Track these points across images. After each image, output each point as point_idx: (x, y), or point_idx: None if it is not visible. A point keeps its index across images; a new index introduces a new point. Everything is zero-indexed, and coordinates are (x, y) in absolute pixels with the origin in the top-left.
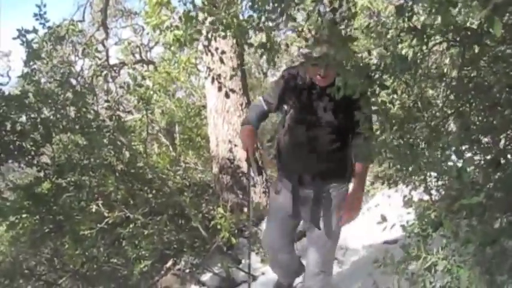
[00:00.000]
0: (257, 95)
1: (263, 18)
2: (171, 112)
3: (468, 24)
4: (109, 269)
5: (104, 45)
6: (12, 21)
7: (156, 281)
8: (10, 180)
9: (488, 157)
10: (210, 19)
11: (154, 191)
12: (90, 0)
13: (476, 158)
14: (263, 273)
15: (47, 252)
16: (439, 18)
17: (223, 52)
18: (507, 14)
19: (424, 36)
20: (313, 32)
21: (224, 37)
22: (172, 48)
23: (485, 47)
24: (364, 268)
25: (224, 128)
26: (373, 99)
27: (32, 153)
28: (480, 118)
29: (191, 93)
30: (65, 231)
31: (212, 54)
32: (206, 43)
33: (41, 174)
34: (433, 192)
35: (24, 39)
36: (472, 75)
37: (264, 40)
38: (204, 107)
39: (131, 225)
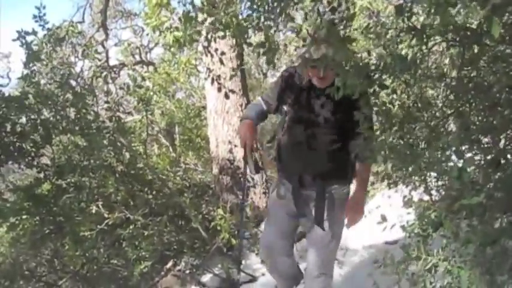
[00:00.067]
0: (257, 95)
1: (262, 18)
2: (171, 113)
3: (468, 24)
4: (109, 270)
5: (103, 47)
6: (13, 22)
7: (156, 282)
8: (10, 182)
9: (488, 157)
10: (209, 20)
11: (154, 192)
12: (90, 2)
13: (477, 158)
14: (263, 274)
15: (47, 253)
16: (438, 19)
17: (223, 53)
18: (506, 14)
19: (424, 36)
20: (311, 32)
21: (223, 37)
22: (172, 49)
23: (484, 47)
24: (364, 269)
25: (224, 129)
26: (373, 99)
27: (32, 154)
28: (480, 118)
29: (191, 94)
30: (65, 232)
31: (212, 55)
32: (206, 44)
33: (41, 175)
34: (433, 192)
35: (23, 41)
36: (472, 75)
37: (262, 40)
38: (204, 107)
39: (131, 226)
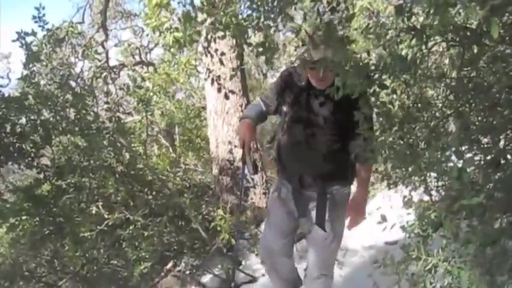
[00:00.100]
0: (257, 96)
1: (262, 18)
2: (170, 113)
3: (467, 25)
4: (109, 271)
5: (103, 47)
6: (13, 22)
7: (156, 282)
8: (10, 182)
9: (488, 157)
10: (209, 20)
11: (154, 193)
12: (89, 2)
13: (476, 158)
14: (263, 275)
15: (47, 254)
16: (438, 19)
17: (222, 53)
18: (506, 14)
19: (424, 36)
20: (310, 33)
21: (223, 37)
22: (172, 49)
23: (484, 47)
24: (364, 269)
25: (224, 130)
26: (373, 100)
27: (32, 155)
28: (480, 118)
29: (191, 95)
30: (65, 233)
31: (212, 56)
32: (206, 45)
33: (41, 176)
34: (433, 192)
35: (23, 41)
36: (472, 75)
37: (262, 39)
38: (204, 108)
39: (131, 227)
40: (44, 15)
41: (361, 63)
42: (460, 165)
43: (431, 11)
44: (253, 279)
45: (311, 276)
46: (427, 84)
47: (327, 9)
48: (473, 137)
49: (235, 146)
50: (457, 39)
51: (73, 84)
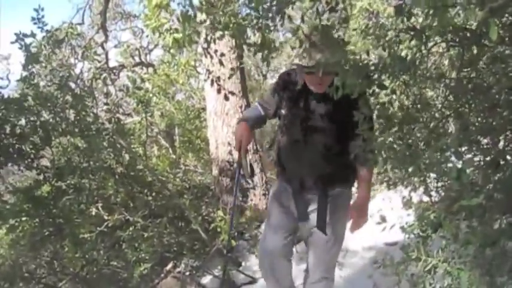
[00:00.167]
0: (256, 97)
1: (260, 18)
2: (170, 114)
3: (467, 25)
4: (109, 272)
5: (103, 48)
6: (12, 22)
7: (156, 283)
8: (10, 183)
9: (488, 158)
10: (209, 20)
11: (154, 194)
12: (89, 3)
13: (476, 159)
14: None
15: (47, 255)
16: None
17: (222, 54)
18: (506, 15)
19: (423, 36)
20: (307, 33)
21: (222, 36)
22: (171, 50)
23: (484, 48)
24: (364, 270)
25: (224, 131)
26: (373, 100)
27: (32, 156)
28: (479, 119)
29: (191, 96)
30: (65, 234)
31: (211, 57)
32: (205, 45)
33: (41, 177)
34: (433, 193)
35: (22, 43)
36: (471, 76)
37: (260, 39)
38: (204, 109)
39: (131, 228)
40: (43, 16)
41: (360, 64)
42: (459, 166)
43: (431, 12)
44: (253, 281)
45: (312, 279)
46: (427, 84)
47: (326, 8)
48: (472, 137)
49: (235, 147)
50: (457, 40)
51: (73, 85)
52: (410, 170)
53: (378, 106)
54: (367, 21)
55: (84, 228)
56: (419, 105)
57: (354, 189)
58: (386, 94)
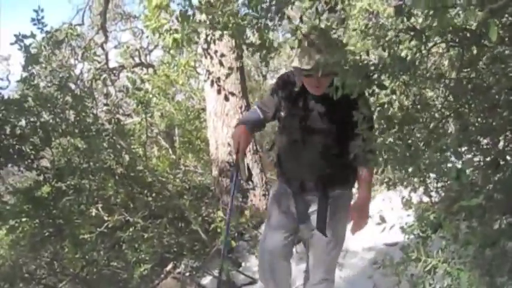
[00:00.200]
0: (256, 97)
1: (259, 17)
2: (170, 115)
3: (467, 26)
4: (109, 273)
5: (103, 49)
6: (12, 22)
7: (156, 284)
8: (10, 184)
9: (488, 158)
10: (208, 20)
11: (154, 194)
12: (89, 4)
13: (476, 159)
14: None
15: (47, 256)
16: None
17: (222, 55)
18: (506, 15)
19: (423, 37)
20: (306, 33)
21: (221, 36)
22: (171, 51)
23: (484, 48)
24: (364, 271)
25: (223, 131)
26: (372, 100)
27: (32, 157)
28: (479, 119)
29: (190, 96)
30: (65, 235)
31: (211, 57)
32: (205, 46)
33: (41, 177)
34: (433, 194)
35: (22, 44)
36: (471, 76)
37: (259, 39)
38: (204, 110)
39: (131, 229)
40: (42, 17)
41: (360, 64)
42: (459, 166)
43: (430, 13)
44: (253, 281)
45: (313, 281)
46: (427, 85)
47: (326, 8)
48: (472, 138)
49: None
50: (457, 40)
51: (72, 86)
52: (410, 170)
53: (378, 107)
54: (367, 22)
55: (84, 229)
56: (419, 106)
57: (354, 190)
58: (386, 94)
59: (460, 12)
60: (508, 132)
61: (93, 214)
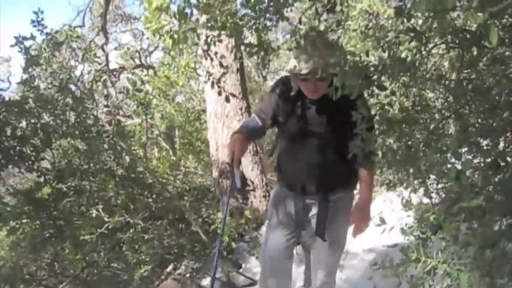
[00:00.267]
0: (256, 98)
1: (258, 18)
2: (170, 116)
3: (467, 27)
4: (109, 274)
5: (103, 50)
6: (13, 22)
7: (156, 285)
8: (10, 185)
9: (488, 160)
10: (206, 18)
11: (154, 196)
12: (89, 6)
13: (476, 160)
14: None
15: (48, 257)
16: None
17: (222, 56)
18: (506, 16)
19: (423, 38)
20: (304, 34)
21: (218, 35)
22: (171, 52)
23: (484, 49)
24: (364, 272)
25: (224, 133)
26: (372, 101)
27: (32, 158)
28: (479, 120)
29: (191, 98)
30: (65, 236)
31: (212, 59)
32: (205, 47)
33: (41, 179)
34: (433, 195)
35: (22, 46)
36: (471, 77)
37: (256, 40)
38: (204, 111)
39: (131, 230)
40: (42, 19)
41: (360, 65)
42: (459, 167)
43: (431, 15)
44: (253, 283)
45: (314, 285)
46: (427, 86)
47: (327, 7)
48: (472, 139)
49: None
50: (457, 41)
51: (73, 87)
52: (410, 171)
53: (378, 108)
54: (367, 23)
55: (85, 230)
56: (419, 107)
57: (355, 191)
58: (386, 95)
59: (460, 13)
60: (508, 133)
61: (94, 215)
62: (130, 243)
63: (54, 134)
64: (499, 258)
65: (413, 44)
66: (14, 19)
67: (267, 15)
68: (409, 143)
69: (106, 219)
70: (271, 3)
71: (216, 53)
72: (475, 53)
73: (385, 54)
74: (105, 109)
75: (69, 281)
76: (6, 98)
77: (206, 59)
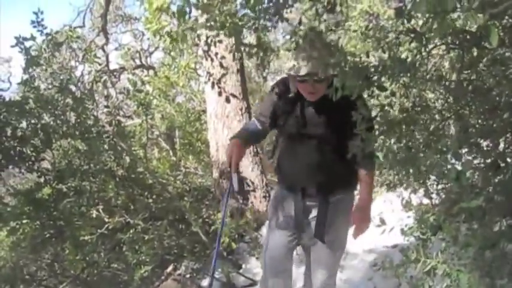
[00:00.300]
0: (257, 99)
1: (257, 18)
2: (171, 117)
3: (467, 28)
4: (109, 274)
5: (104, 51)
6: (13, 21)
7: (156, 286)
8: (11, 186)
9: (488, 160)
10: (205, 18)
11: (154, 196)
12: (90, 6)
13: (476, 161)
14: None
15: (48, 258)
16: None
17: (223, 57)
18: (506, 17)
19: (423, 39)
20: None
21: (217, 35)
22: (172, 53)
23: (484, 50)
24: (364, 273)
25: (224, 133)
26: (372, 102)
27: (33, 158)
28: (479, 121)
29: (191, 98)
30: (66, 237)
31: (212, 59)
32: (206, 48)
33: (42, 179)
34: (433, 195)
35: (22, 46)
36: (471, 78)
37: (255, 41)
38: (204, 111)
39: (131, 231)
40: (42, 19)
41: (360, 65)
42: (459, 167)
43: (431, 16)
44: (253, 283)
45: (315, 286)
46: (427, 87)
47: (327, 8)
48: (472, 140)
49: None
50: (457, 42)
51: (73, 88)
52: (410, 172)
53: (379, 109)
54: (368, 24)
55: (85, 230)
56: (419, 107)
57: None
58: (386, 96)
59: (461, 14)
60: (508, 134)
61: (94, 216)
62: (131, 244)
63: (54, 134)
64: (499, 259)
65: (413, 44)
66: (14, 18)
67: (267, 16)
68: (409, 143)
69: (106, 220)
70: (271, 4)
71: (216, 54)
72: (475, 54)
73: (386, 55)
74: (106, 109)
75: (69, 281)
76: (7, 99)
77: (206, 59)
